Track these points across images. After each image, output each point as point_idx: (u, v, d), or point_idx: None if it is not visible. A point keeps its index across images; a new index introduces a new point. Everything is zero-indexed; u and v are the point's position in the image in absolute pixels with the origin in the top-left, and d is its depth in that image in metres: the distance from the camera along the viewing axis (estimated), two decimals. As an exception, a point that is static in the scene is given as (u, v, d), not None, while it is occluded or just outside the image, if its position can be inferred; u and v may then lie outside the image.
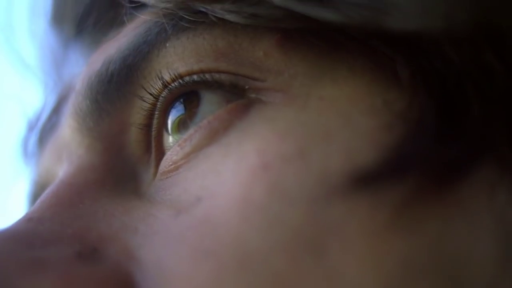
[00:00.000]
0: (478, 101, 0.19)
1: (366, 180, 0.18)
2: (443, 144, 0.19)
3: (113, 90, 0.23)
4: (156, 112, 0.23)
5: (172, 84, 0.22)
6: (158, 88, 0.23)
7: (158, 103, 0.23)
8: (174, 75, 0.22)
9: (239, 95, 0.21)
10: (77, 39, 0.33)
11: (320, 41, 0.21)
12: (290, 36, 0.21)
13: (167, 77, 0.22)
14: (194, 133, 0.21)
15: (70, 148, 0.25)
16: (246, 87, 0.21)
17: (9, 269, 0.18)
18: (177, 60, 0.22)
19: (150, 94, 0.23)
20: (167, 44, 0.22)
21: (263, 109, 0.21)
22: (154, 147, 0.23)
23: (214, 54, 0.22)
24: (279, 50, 0.21)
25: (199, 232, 0.19)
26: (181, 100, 0.23)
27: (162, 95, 0.23)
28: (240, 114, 0.21)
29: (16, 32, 0.36)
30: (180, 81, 0.22)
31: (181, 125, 0.23)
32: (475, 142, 0.19)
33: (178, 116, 0.23)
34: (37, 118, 0.32)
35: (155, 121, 0.23)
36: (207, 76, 0.22)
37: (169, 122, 0.23)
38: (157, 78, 0.22)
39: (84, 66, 0.27)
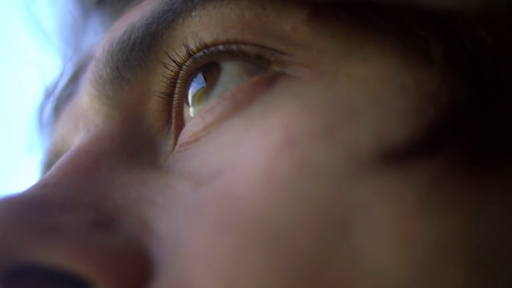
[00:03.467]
0: (511, 83, 0.18)
1: (395, 158, 0.17)
2: (475, 126, 0.18)
3: (134, 58, 0.23)
4: (178, 81, 0.23)
5: (197, 54, 0.22)
6: (182, 56, 0.22)
7: (181, 72, 0.22)
8: (200, 44, 0.22)
9: (263, 67, 0.21)
10: (98, 8, 0.32)
11: (351, 17, 0.20)
12: (319, 11, 0.21)
13: (192, 46, 0.22)
14: (217, 104, 0.21)
15: (88, 116, 0.25)
16: (272, 59, 0.21)
17: (23, 235, 0.18)
18: (202, 29, 0.22)
19: (174, 61, 0.22)
20: (193, 13, 0.22)
21: (289, 83, 0.20)
22: (175, 118, 0.23)
23: (240, 25, 0.21)
24: (308, 25, 0.21)
25: (220, 205, 0.18)
26: (201, 72, 0.22)
27: (186, 64, 0.22)
28: (264, 87, 0.20)
29: (37, -2, 0.36)
30: (206, 50, 0.22)
31: (202, 97, 0.22)
32: (507, 125, 0.18)
33: (199, 89, 0.22)
34: (54, 86, 0.31)
35: (176, 90, 0.23)
36: (233, 46, 0.21)
37: (190, 94, 0.23)
38: (182, 46, 0.22)
39: (105, 33, 0.26)
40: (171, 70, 0.23)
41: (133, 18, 0.23)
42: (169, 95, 0.23)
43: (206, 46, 0.22)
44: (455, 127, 0.18)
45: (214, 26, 0.21)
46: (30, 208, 0.19)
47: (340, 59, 0.20)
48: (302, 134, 0.18)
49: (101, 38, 0.27)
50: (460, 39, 0.19)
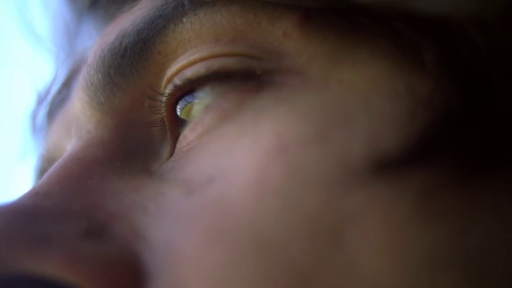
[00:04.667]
0: (504, 89, 0.18)
1: (388, 167, 0.17)
2: (468, 133, 0.18)
3: (126, 65, 0.23)
4: (163, 107, 0.23)
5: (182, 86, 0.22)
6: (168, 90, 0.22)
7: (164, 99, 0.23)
8: (184, 81, 0.22)
9: (251, 78, 0.21)
10: (91, 12, 0.32)
11: (342, 22, 0.20)
12: (311, 16, 0.20)
13: (178, 82, 0.22)
14: (205, 115, 0.21)
15: (80, 122, 0.24)
16: (259, 72, 0.20)
17: (14, 244, 0.18)
18: (194, 37, 0.21)
19: (159, 94, 0.23)
20: (184, 20, 0.22)
21: (279, 90, 0.20)
22: (168, 125, 0.23)
23: (231, 32, 0.21)
24: (299, 31, 0.20)
25: (212, 213, 0.18)
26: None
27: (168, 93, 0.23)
28: (252, 94, 0.20)
29: (29, 2, 0.35)
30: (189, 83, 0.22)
31: (191, 111, 0.22)
32: (501, 131, 0.18)
33: (186, 105, 0.22)
34: (47, 91, 0.31)
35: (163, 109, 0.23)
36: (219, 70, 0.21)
37: (178, 109, 0.23)
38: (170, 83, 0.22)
39: (97, 39, 0.26)
40: (153, 99, 0.23)
41: (124, 24, 0.23)
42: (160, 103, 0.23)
43: (191, 82, 0.22)
44: (447, 133, 0.18)
45: (206, 34, 0.21)
46: (20, 217, 0.19)
47: (330, 65, 0.20)
48: (294, 141, 0.18)
49: (94, 42, 0.26)
50: (453, 43, 0.19)
